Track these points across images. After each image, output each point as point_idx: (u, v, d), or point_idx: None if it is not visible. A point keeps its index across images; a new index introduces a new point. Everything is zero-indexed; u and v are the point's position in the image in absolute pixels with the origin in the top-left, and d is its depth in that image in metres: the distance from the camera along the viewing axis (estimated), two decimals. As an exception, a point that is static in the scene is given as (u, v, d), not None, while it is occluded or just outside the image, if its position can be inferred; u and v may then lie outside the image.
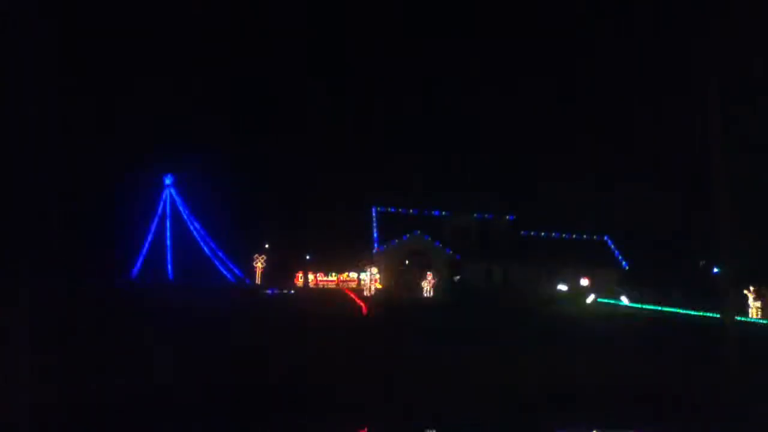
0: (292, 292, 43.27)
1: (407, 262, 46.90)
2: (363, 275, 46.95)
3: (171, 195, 51.46)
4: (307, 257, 51.27)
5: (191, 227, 51.08)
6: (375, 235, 48.99)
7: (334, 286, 47.37)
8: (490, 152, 54.86)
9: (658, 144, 45.65)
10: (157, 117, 51.10)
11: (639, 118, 48.54)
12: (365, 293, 42.91)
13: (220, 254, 50.53)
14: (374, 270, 46.07)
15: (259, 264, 47.88)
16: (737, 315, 21.06)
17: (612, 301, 42.26)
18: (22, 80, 37.29)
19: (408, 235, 48.19)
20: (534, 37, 56.48)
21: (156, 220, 50.92)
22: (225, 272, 50.17)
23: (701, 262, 44.98)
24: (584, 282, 48.06)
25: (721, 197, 17.27)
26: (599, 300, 42.35)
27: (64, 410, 10.01)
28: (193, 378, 12.35)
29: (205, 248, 50.48)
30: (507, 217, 52.20)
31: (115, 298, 31.02)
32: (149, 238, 50.18)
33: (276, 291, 42.17)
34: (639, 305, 40.53)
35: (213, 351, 15.26)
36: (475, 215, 51.49)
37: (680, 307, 38.77)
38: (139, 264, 49.03)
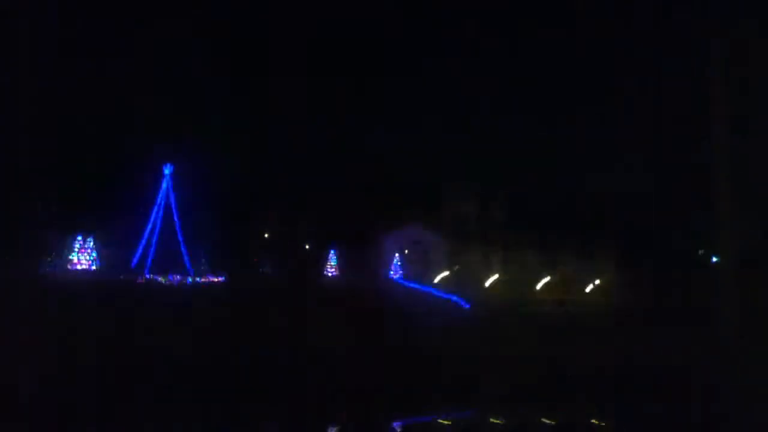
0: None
1: (406, 252, 46.95)
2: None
3: (168, 186, 50.93)
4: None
5: (175, 219, 49.99)
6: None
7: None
8: (489, 137, 53.61)
9: (658, 134, 45.17)
10: (157, 108, 50.02)
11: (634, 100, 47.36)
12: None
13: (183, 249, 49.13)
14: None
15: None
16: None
17: None
18: (22, 66, 36.92)
19: (408, 226, 48.26)
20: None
21: (154, 210, 50.43)
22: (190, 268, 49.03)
23: (700, 251, 45.22)
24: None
25: (721, 189, 17.30)
26: None
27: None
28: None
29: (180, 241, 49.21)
30: (504, 205, 52.17)
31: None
32: (148, 229, 49.77)
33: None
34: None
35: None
36: (473, 205, 51.53)
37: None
38: (136, 258, 48.55)
